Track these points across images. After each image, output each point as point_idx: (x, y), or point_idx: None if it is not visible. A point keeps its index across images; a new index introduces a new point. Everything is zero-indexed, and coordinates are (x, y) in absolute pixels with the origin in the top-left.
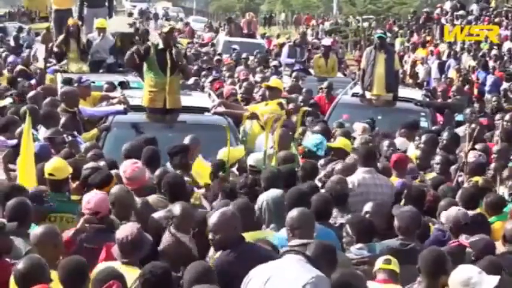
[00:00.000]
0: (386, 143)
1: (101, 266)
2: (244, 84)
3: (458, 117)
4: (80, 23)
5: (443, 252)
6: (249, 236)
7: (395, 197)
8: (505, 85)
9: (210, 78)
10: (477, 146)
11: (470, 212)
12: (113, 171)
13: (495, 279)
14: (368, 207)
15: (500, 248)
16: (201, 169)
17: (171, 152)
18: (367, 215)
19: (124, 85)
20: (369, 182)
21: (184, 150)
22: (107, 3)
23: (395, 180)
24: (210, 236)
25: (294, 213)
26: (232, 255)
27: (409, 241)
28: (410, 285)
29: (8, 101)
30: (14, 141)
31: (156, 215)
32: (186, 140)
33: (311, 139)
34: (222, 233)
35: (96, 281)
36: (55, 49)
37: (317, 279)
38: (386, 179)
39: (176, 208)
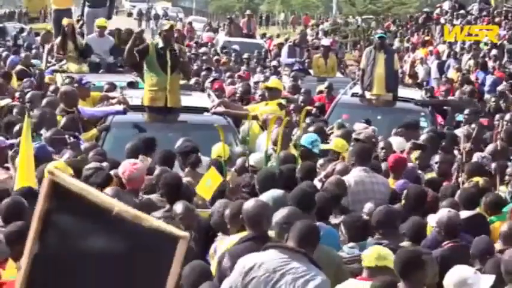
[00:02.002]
0: (381, 144)
1: None
2: (241, 84)
3: (459, 117)
4: (75, 23)
5: (412, 253)
6: None
7: (396, 197)
8: (502, 86)
9: (210, 78)
10: (489, 147)
11: (470, 213)
12: (113, 171)
13: (491, 278)
14: (367, 208)
15: (499, 248)
16: (212, 178)
17: (184, 150)
18: (367, 216)
19: (133, 85)
20: (366, 180)
21: (197, 149)
22: (108, 3)
23: (392, 182)
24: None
25: (284, 212)
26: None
27: (384, 240)
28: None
29: (7, 101)
30: (13, 141)
31: (155, 215)
32: (179, 142)
33: (306, 137)
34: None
35: None
36: (54, 54)
37: (326, 280)
38: (382, 178)
39: (178, 207)
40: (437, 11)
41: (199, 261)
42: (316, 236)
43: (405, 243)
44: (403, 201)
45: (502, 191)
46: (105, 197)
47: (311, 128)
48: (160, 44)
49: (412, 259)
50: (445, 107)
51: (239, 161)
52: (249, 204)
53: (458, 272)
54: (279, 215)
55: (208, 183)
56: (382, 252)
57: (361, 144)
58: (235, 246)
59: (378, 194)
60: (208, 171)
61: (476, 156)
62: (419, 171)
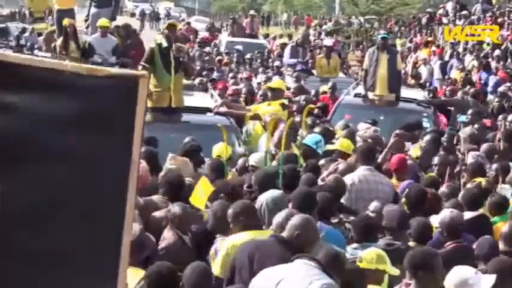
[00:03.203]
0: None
1: None
2: (244, 84)
3: (461, 118)
4: (84, 23)
5: (423, 253)
6: (251, 235)
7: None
8: (503, 87)
9: (211, 78)
10: (483, 146)
11: (473, 213)
12: None
13: (492, 278)
14: (373, 206)
15: (501, 249)
16: (204, 188)
17: (187, 150)
18: (373, 214)
19: None
20: (371, 179)
21: (200, 149)
22: (113, 4)
23: (396, 182)
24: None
25: (282, 214)
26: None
27: (396, 241)
28: (398, 286)
29: None
30: None
31: (157, 214)
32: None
33: (310, 137)
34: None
35: None
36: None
37: (328, 286)
38: (386, 179)
39: (176, 208)
40: (440, 11)
41: (200, 262)
42: (342, 265)
43: (410, 244)
44: (403, 200)
45: (504, 187)
46: (52, 60)
47: (316, 129)
48: (164, 44)
49: (423, 259)
50: (448, 107)
51: (240, 161)
52: (298, 218)
53: (459, 273)
54: (280, 217)
55: (200, 194)
56: (381, 255)
57: (365, 144)
58: (261, 239)
59: (381, 194)
60: (199, 182)
61: (471, 156)
62: (421, 172)
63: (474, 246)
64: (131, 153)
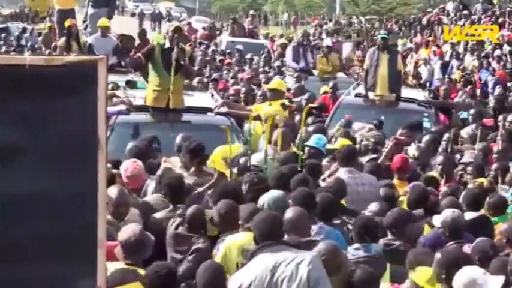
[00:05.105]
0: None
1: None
2: (243, 84)
3: (463, 115)
4: (82, 23)
5: (418, 252)
6: (250, 236)
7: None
8: (498, 88)
9: (212, 78)
10: (478, 145)
11: (475, 214)
12: (113, 171)
13: (500, 279)
14: (373, 206)
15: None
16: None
17: (192, 149)
18: (369, 214)
19: (131, 83)
20: (350, 182)
21: (204, 148)
22: (109, 3)
23: (398, 182)
24: None
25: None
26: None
27: (395, 241)
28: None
29: None
30: None
31: (158, 215)
32: (178, 139)
33: (316, 139)
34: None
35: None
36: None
37: (313, 261)
38: (370, 178)
39: (189, 210)
40: (436, 10)
41: (213, 261)
42: (278, 226)
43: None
44: (401, 198)
45: (504, 188)
46: (10, 56)
47: (311, 128)
48: (167, 45)
49: (417, 259)
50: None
51: (241, 161)
52: (325, 244)
53: (468, 273)
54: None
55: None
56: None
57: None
58: None
59: (362, 195)
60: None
61: (468, 154)
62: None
63: (469, 247)
64: (97, 132)
